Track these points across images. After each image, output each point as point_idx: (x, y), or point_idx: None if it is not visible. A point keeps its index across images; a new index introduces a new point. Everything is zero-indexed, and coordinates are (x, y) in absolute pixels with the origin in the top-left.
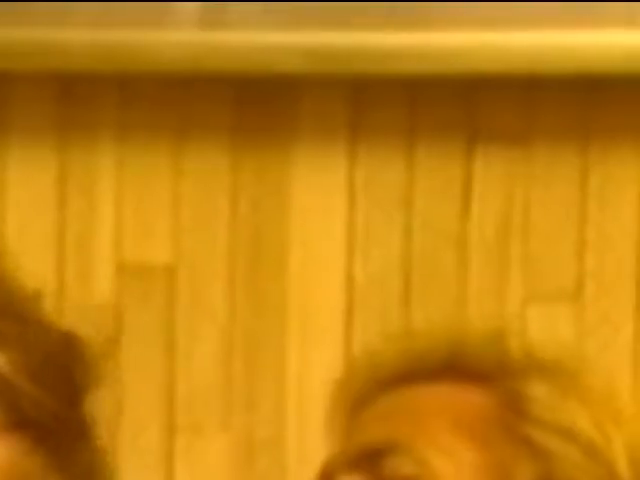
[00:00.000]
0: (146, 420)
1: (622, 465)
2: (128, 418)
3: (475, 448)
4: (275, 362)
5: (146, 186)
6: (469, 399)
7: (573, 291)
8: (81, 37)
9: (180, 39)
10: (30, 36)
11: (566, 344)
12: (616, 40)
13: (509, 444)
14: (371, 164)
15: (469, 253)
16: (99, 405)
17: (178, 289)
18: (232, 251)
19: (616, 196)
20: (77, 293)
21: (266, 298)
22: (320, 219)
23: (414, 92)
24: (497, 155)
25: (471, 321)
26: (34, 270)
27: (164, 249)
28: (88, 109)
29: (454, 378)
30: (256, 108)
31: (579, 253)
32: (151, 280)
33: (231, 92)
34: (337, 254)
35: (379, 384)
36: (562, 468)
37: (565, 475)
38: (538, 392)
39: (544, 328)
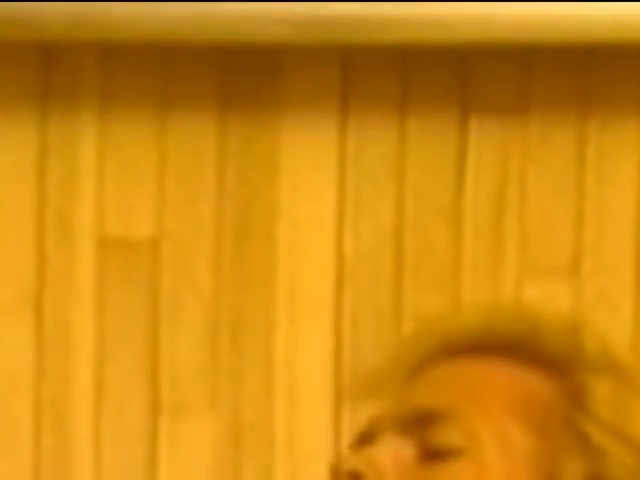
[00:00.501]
0: (128, 399)
1: None
2: (109, 397)
3: (529, 434)
4: (263, 339)
5: (129, 157)
6: (533, 384)
7: (570, 267)
8: (62, 5)
9: (165, 8)
10: (10, 5)
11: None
12: (614, 8)
13: (565, 436)
14: (362, 135)
15: (463, 227)
16: None
17: (162, 264)
18: (218, 224)
19: (614, 168)
20: (58, 268)
21: (253, 273)
22: (309, 192)
23: (406, 61)
24: (492, 126)
25: (464, 298)
26: (13, 243)
27: (148, 222)
28: (69, 78)
29: (524, 360)
30: (243, 77)
31: (576, 227)
32: (134, 254)
33: (217, 61)
34: (327, 228)
35: (450, 348)
36: (613, 470)
37: (615, 476)
38: (603, 390)
39: (540, 305)
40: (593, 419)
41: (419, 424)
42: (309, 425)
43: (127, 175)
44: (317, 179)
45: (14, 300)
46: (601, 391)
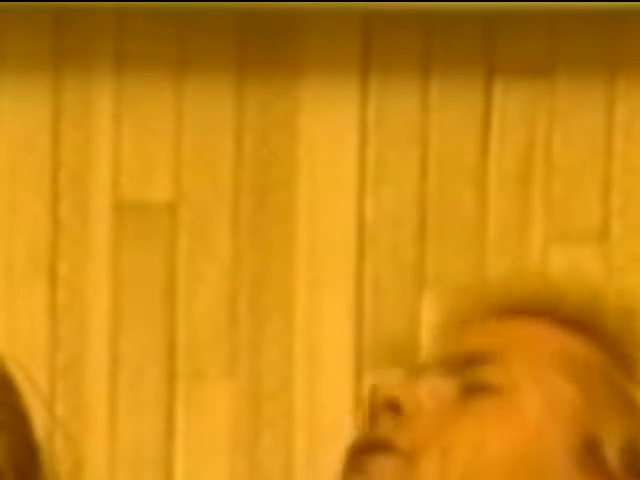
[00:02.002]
0: (145, 366)
1: None
2: (126, 364)
3: (570, 386)
4: (282, 305)
5: (146, 121)
6: (582, 346)
7: (599, 231)
8: None
9: None
10: None
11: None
12: None
13: (607, 396)
14: (384, 98)
15: (488, 191)
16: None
17: (179, 229)
18: (237, 189)
19: None
20: (73, 233)
21: (273, 238)
22: (330, 156)
23: (429, 22)
24: (518, 88)
25: (489, 263)
26: (27, 209)
27: (165, 186)
28: (84, 41)
29: (578, 328)
30: (261, 39)
31: (605, 191)
32: (151, 219)
33: (235, 23)
34: (348, 192)
35: (505, 307)
36: None
37: None
38: None
39: (567, 271)
40: (638, 383)
41: (463, 365)
42: (329, 393)
43: (143, 139)
44: (338, 143)
45: (28, 266)
46: None
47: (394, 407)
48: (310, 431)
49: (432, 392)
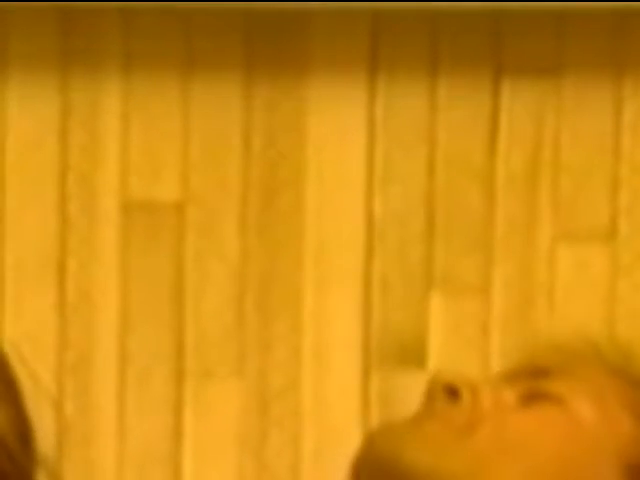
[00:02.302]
0: (153, 366)
1: None
2: (134, 363)
3: (629, 417)
4: (290, 304)
5: (153, 120)
6: None
7: (606, 230)
8: None
9: None
10: None
11: (598, 286)
12: None
13: None
14: (391, 97)
15: (496, 190)
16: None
17: (187, 228)
18: (244, 188)
19: None
20: (81, 232)
21: (281, 237)
22: (337, 155)
23: (436, 22)
24: (525, 87)
25: (496, 262)
26: (36, 208)
27: (172, 186)
28: (92, 39)
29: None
30: (269, 39)
31: (612, 190)
32: (159, 218)
33: (242, 22)
34: (356, 191)
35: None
36: None
37: None
38: None
39: (575, 269)
40: None
41: (527, 376)
42: (337, 392)
43: (151, 138)
44: (345, 142)
45: (37, 265)
46: None
47: (452, 391)
48: (318, 430)
49: (492, 392)
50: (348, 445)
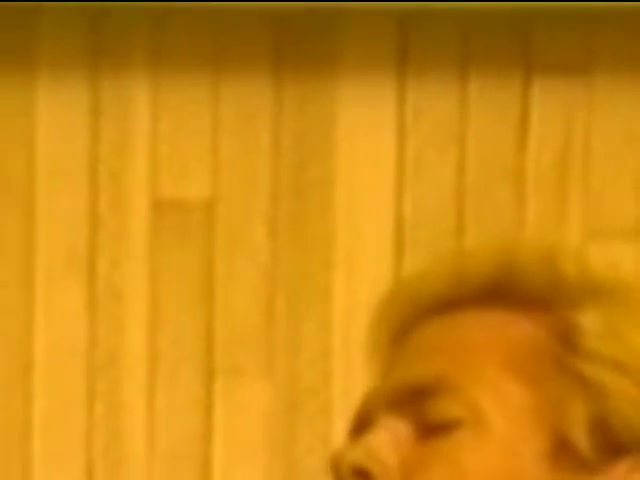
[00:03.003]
0: (182, 364)
1: None
2: (164, 362)
3: (525, 387)
4: (320, 303)
5: (183, 118)
6: (519, 331)
7: (635, 228)
8: None
9: None
10: None
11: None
12: None
13: (561, 381)
14: (421, 96)
15: (526, 189)
16: None
17: (217, 226)
18: (274, 186)
19: None
20: (111, 230)
21: (310, 236)
22: (367, 154)
23: (466, 21)
24: (555, 86)
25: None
26: (66, 207)
27: (202, 184)
28: (121, 38)
29: (503, 303)
30: (299, 38)
31: None
32: (188, 216)
33: (272, 21)
34: (385, 190)
35: (424, 308)
36: (618, 404)
37: (621, 411)
38: (592, 322)
39: (605, 267)
40: (587, 356)
41: (413, 400)
42: None
43: (181, 136)
44: (375, 141)
45: (67, 263)
46: (591, 323)
47: (362, 474)
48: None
49: (392, 443)
50: None
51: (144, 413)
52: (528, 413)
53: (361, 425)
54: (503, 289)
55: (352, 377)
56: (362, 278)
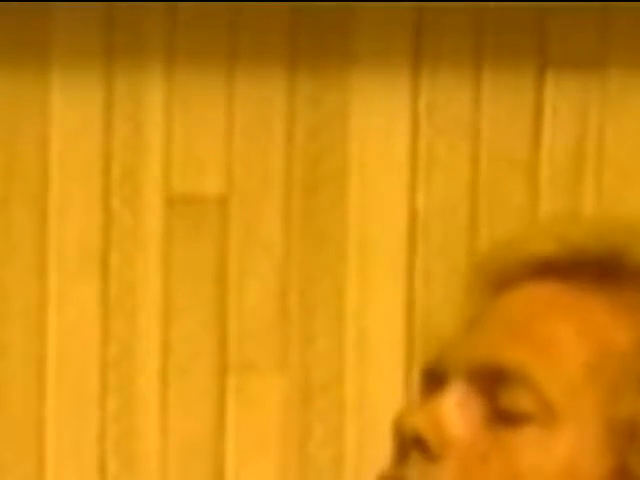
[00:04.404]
0: (195, 359)
1: None
2: (177, 356)
3: (606, 398)
4: (333, 297)
5: (197, 113)
6: (613, 334)
7: None
8: None
9: None
10: None
11: None
12: None
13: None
14: (435, 89)
15: (540, 184)
16: None
17: (231, 221)
18: (288, 181)
19: None
20: (124, 225)
21: (324, 230)
22: (381, 147)
23: (480, 15)
24: (569, 80)
25: None
26: (79, 202)
27: (216, 179)
28: (135, 35)
29: (606, 285)
30: (313, 31)
31: None
32: (202, 212)
33: (286, 14)
34: (399, 184)
35: (527, 265)
36: None
37: None
38: None
39: None
40: None
41: (491, 380)
42: (380, 385)
43: (194, 131)
44: (389, 135)
45: (80, 258)
46: None
47: (421, 444)
48: (361, 424)
49: (459, 417)
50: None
51: (157, 408)
52: (600, 428)
53: (434, 382)
54: (611, 265)
55: (366, 371)
56: (376, 272)
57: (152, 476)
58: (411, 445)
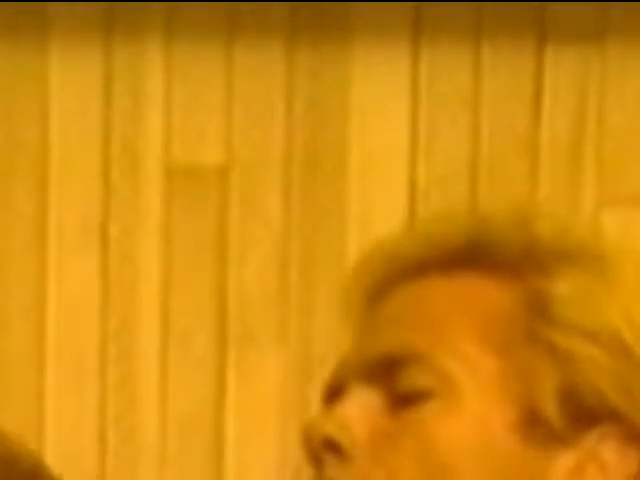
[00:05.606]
0: (195, 331)
1: None
2: (177, 328)
3: (496, 357)
4: (334, 271)
5: (196, 85)
6: (488, 299)
7: None
8: None
9: None
10: None
11: None
12: None
13: (531, 349)
14: (435, 62)
15: (540, 156)
16: None
17: (231, 193)
18: (288, 152)
19: None
20: (124, 197)
21: (324, 203)
22: (381, 120)
23: None
24: (569, 53)
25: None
26: (79, 174)
27: (215, 151)
28: (134, 7)
29: (474, 268)
30: (313, 4)
31: None
32: (202, 183)
33: None
34: (399, 157)
35: (397, 271)
36: (588, 373)
37: (592, 380)
38: (563, 289)
39: (619, 235)
40: (557, 323)
41: (384, 370)
42: None
43: (194, 103)
44: (389, 107)
45: (80, 230)
46: (562, 290)
47: (332, 446)
48: None
49: (363, 415)
50: None
51: (157, 380)
52: (499, 383)
53: (333, 394)
54: (475, 253)
55: None
56: None
57: (152, 447)
58: (323, 450)
